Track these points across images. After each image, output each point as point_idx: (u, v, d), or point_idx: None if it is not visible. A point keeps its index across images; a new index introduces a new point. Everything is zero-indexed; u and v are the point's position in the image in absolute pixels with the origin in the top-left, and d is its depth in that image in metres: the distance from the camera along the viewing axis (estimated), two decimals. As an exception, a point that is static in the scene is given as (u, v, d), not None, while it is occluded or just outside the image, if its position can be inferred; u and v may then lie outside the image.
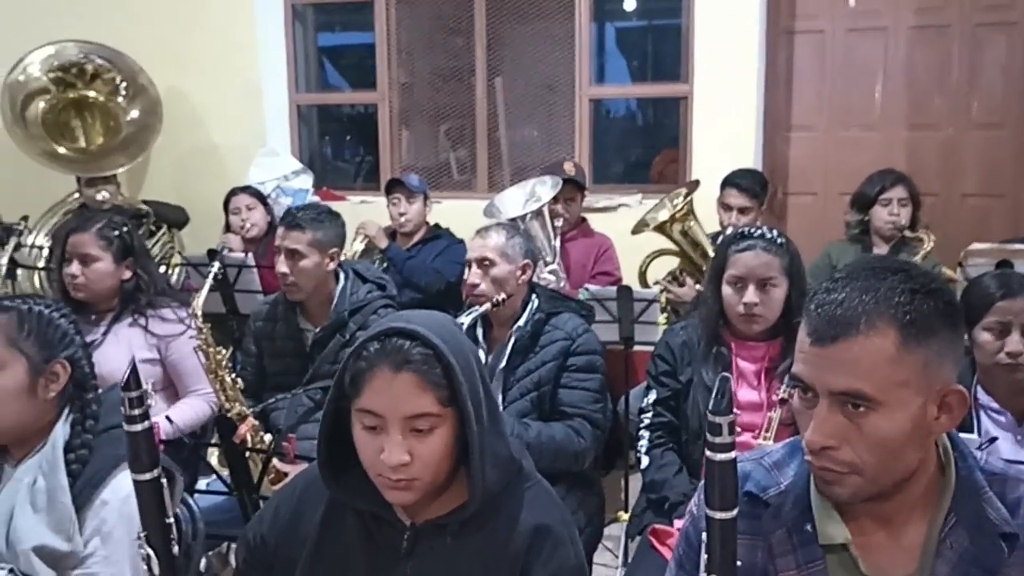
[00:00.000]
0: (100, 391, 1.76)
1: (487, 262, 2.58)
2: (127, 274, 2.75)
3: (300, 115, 5.39)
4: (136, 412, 1.15)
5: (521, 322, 2.59)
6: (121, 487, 1.61)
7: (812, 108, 4.74)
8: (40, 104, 4.78)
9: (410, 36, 5.20)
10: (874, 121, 4.67)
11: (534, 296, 2.65)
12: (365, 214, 4.34)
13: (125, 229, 2.79)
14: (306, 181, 4.99)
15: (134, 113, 4.84)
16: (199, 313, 2.74)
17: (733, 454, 1.03)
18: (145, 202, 4.77)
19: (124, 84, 4.82)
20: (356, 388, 1.31)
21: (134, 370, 1.15)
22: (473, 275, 2.60)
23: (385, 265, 3.87)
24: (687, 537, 1.38)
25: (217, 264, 3.06)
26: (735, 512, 1.04)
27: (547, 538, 1.37)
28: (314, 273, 2.75)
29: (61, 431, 1.66)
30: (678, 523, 2.26)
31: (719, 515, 1.04)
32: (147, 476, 1.18)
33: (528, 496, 1.41)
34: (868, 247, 3.63)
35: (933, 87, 4.58)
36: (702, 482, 1.41)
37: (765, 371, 2.32)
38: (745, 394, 2.30)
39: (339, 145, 5.90)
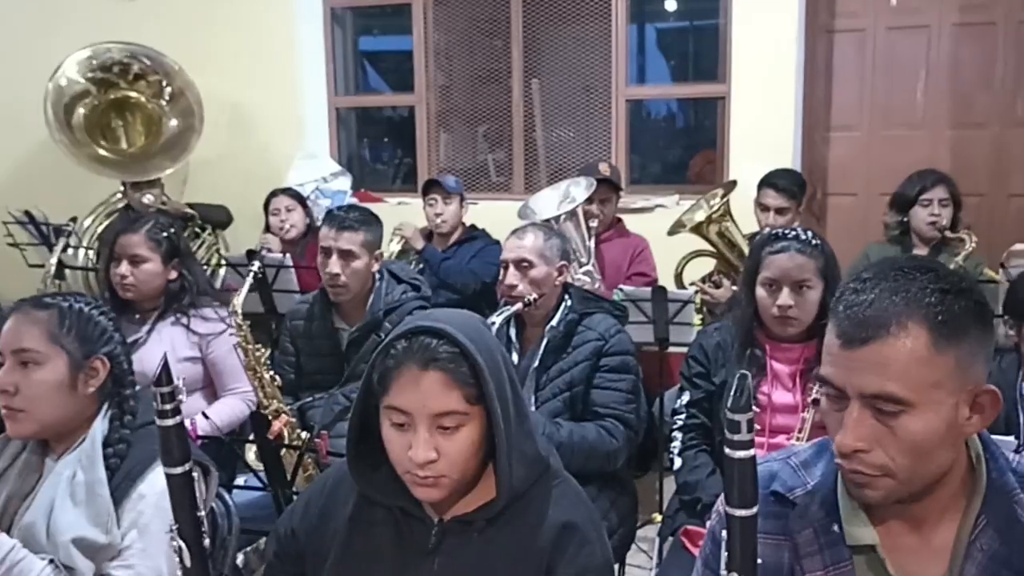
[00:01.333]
0: (138, 388, 1.79)
1: (525, 263, 2.58)
2: (173, 274, 2.81)
3: (339, 118, 5.45)
4: (168, 407, 1.17)
5: (554, 322, 2.59)
6: (157, 482, 1.63)
7: (852, 108, 4.68)
8: (81, 108, 4.86)
9: (447, 39, 5.23)
10: (917, 120, 4.60)
11: (567, 296, 2.64)
12: (403, 215, 4.37)
13: (172, 230, 2.85)
14: (345, 183, 5.04)
15: (175, 119, 4.90)
16: (239, 311, 2.78)
17: (752, 451, 1.02)
18: (189, 205, 4.85)
19: (168, 88, 4.89)
20: (384, 386, 1.33)
21: (166, 366, 1.17)
22: (511, 276, 2.59)
23: (421, 266, 3.90)
24: (713, 536, 1.37)
25: (257, 264, 3.10)
26: (755, 509, 1.04)
27: (573, 535, 1.38)
28: (364, 274, 2.80)
29: (100, 426, 1.69)
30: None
31: (739, 512, 1.03)
32: (178, 470, 1.20)
33: (555, 494, 1.42)
34: (908, 248, 3.57)
35: (978, 85, 4.50)
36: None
37: (800, 373, 2.30)
38: (780, 396, 2.29)
39: (377, 147, 5.95)
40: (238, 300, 2.80)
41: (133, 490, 1.64)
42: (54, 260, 3.99)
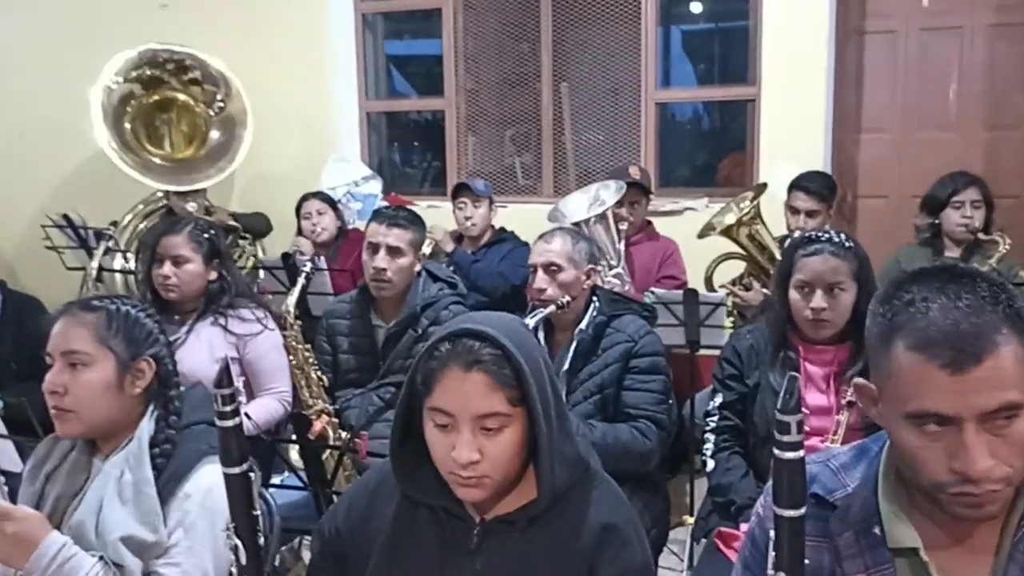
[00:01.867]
0: (182, 388, 1.83)
1: (554, 267, 2.60)
2: (213, 275, 2.85)
3: (370, 122, 5.49)
4: (227, 408, 1.19)
5: (583, 325, 2.60)
6: (203, 481, 1.67)
7: (884, 110, 4.66)
8: (129, 109, 4.90)
9: (476, 43, 5.25)
10: (949, 122, 4.57)
11: (595, 299, 2.66)
12: (432, 219, 4.38)
13: (213, 232, 2.90)
14: (375, 186, 5.08)
15: (220, 130, 4.92)
16: (291, 311, 2.82)
17: (801, 452, 1.04)
18: (232, 215, 4.87)
19: (220, 98, 4.90)
20: (427, 387, 1.35)
21: (227, 368, 1.20)
22: (539, 280, 2.61)
23: (451, 269, 3.92)
24: (753, 538, 1.38)
25: (309, 265, 3.17)
26: (803, 510, 1.05)
27: (614, 537, 1.40)
28: (408, 271, 2.86)
29: (147, 427, 1.72)
30: (744, 526, 2.25)
31: (787, 512, 1.05)
32: (236, 470, 1.23)
33: (595, 495, 1.44)
34: (939, 251, 3.55)
35: (1013, 86, 4.45)
36: (769, 483, 1.42)
37: (834, 375, 2.30)
38: (814, 398, 2.29)
39: (407, 151, 5.99)
40: (290, 300, 2.84)
41: (179, 489, 1.67)
42: (95, 264, 4.04)
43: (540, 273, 2.63)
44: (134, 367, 1.74)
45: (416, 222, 2.92)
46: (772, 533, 1.08)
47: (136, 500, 1.64)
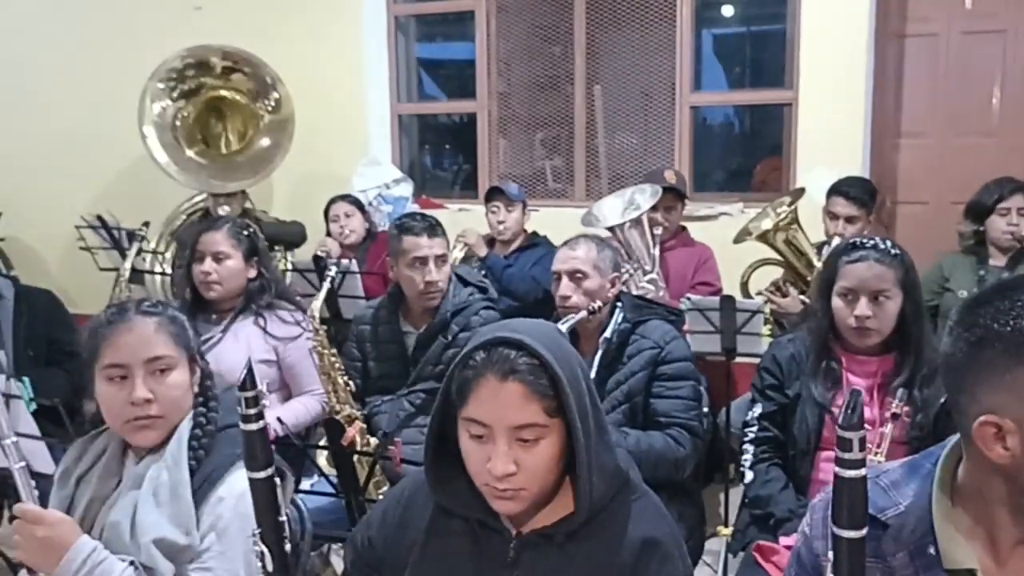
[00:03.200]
0: (218, 389, 1.81)
1: (579, 275, 2.55)
2: (253, 273, 2.86)
3: (401, 125, 5.48)
4: (251, 412, 1.17)
5: (607, 333, 2.55)
6: (237, 484, 1.64)
7: (924, 114, 4.57)
8: (183, 111, 4.95)
9: (507, 46, 5.23)
10: (992, 127, 4.47)
11: (618, 305, 2.61)
12: (464, 222, 4.38)
13: (251, 229, 2.91)
14: (406, 189, 5.07)
15: (266, 135, 4.95)
16: (316, 315, 2.81)
17: (863, 471, 1.00)
18: (262, 221, 4.79)
19: (270, 96, 4.92)
20: (463, 397, 1.32)
21: (250, 371, 1.18)
22: (564, 287, 2.56)
23: (483, 273, 3.90)
24: (799, 558, 1.34)
25: (334, 269, 3.15)
26: (864, 531, 1.01)
27: (655, 552, 1.36)
28: (449, 275, 2.85)
29: (186, 427, 1.70)
30: (784, 540, 2.20)
31: (847, 534, 1.01)
32: (261, 475, 1.20)
33: (635, 508, 1.40)
34: (984, 258, 3.49)
35: (1058, 91, 4.37)
36: (815, 500, 1.38)
37: (878, 387, 2.24)
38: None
39: (438, 154, 5.98)
40: (315, 304, 2.84)
41: (213, 493, 1.65)
42: (128, 265, 4.06)
43: (565, 280, 2.58)
44: (195, 367, 1.74)
45: (441, 226, 2.92)
46: (831, 554, 1.05)
47: (171, 502, 1.63)
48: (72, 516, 1.67)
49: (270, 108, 4.94)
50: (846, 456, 0.99)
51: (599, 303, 2.54)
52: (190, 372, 1.73)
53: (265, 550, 1.25)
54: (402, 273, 2.83)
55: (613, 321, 2.57)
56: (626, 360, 2.51)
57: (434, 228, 2.84)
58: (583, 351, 2.60)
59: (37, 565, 1.55)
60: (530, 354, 1.31)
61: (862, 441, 0.99)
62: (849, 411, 0.98)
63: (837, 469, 1.00)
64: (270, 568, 1.27)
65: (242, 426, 1.19)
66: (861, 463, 0.99)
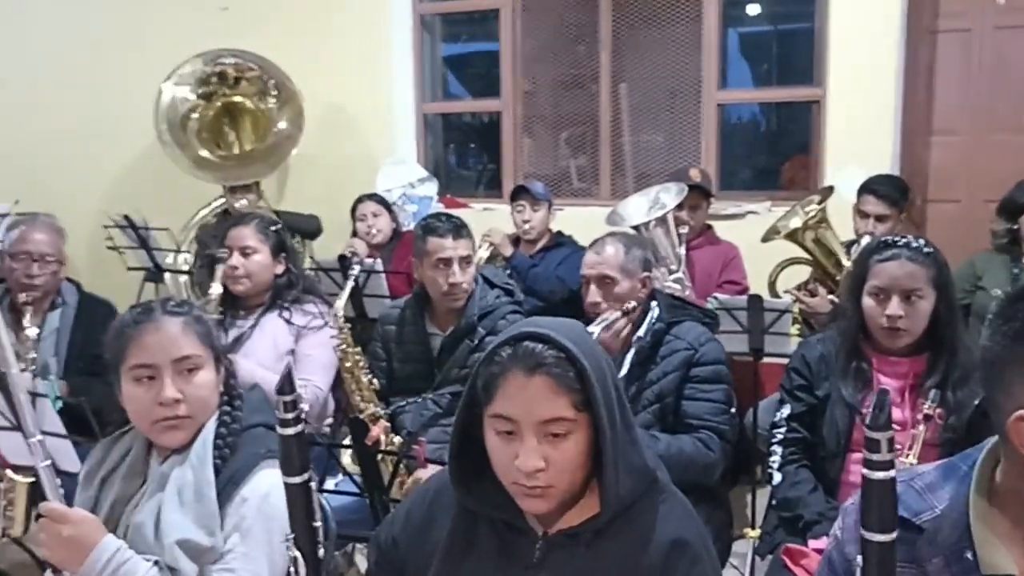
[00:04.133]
0: (245, 390, 1.81)
1: (608, 280, 2.50)
2: (280, 268, 2.88)
3: (426, 123, 5.48)
4: (289, 416, 1.16)
5: (641, 332, 2.51)
6: (261, 486, 1.64)
7: (956, 111, 4.50)
8: (193, 116, 5.02)
9: (532, 44, 5.22)
10: (1025, 124, 4.40)
11: (653, 304, 2.56)
12: (488, 221, 4.37)
13: (278, 226, 2.92)
14: (431, 188, 5.07)
15: (283, 123, 5.00)
16: (340, 314, 2.81)
17: (892, 473, 0.98)
18: (278, 212, 4.89)
19: (272, 83, 4.98)
20: (489, 393, 1.31)
21: (288, 374, 1.16)
22: (593, 294, 2.51)
23: (509, 273, 3.88)
24: (830, 562, 1.32)
25: (357, 268, 3.16)
26: (894, 535, 0.99)
27: (684, 553, 1.34)
28: (473, 277, 2.84)
29: (212, 427, 1.70)
30: (813, 543, 2.17)
31: (877, 537, 0.98)
32: (297, 479, 1.19)
33: (663, 508, 1.38)
34: (1017, 257, 3.43)
35: (1092, 87, 4.28)
36: (847, 503, 1.35)
37: (910, 388, 2.20)
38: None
39: (462, 153, 5.97)
40: (339, 303, 2.84)
41: (236, 493, 1.64)
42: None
43: (593, 287, 2.52)
44: (220, 367, 1.74)
45: (467, 226, 2.89)
46: (859, 559, 1.02)
47: (195, 502, 1.63)
48: (97, 516, 1.67)
49: (277, 104, 4.99)
50: (874, 457, 0.97)
51: (632, 303, 2.49)
52: (216, 371, 1.73)
53: (298, 555, 1.24)
54: (426, 274, 2.81)
55: (647, 320, 2.53)
56: (659, 360, 2.46)
57: (459, 229, 2.82)
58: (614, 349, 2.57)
59: (62, 564, 1.55)
60: (557, 348, 1.30)
61: (890, 442, 0.96)
62: (877, 411, 0.96)
63: (865, 471, 0.98)
64: (303, 574, 1.26)
65: (279, 430, 1.18)
66: (890, 464, 0.97)
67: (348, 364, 2.72)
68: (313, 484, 1.21)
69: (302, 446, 1.18)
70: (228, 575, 1.62)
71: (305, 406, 2.73)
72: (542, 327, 1.33)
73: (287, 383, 1.15)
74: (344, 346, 2.74)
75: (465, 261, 2.78)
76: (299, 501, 1.19)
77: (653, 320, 2.52)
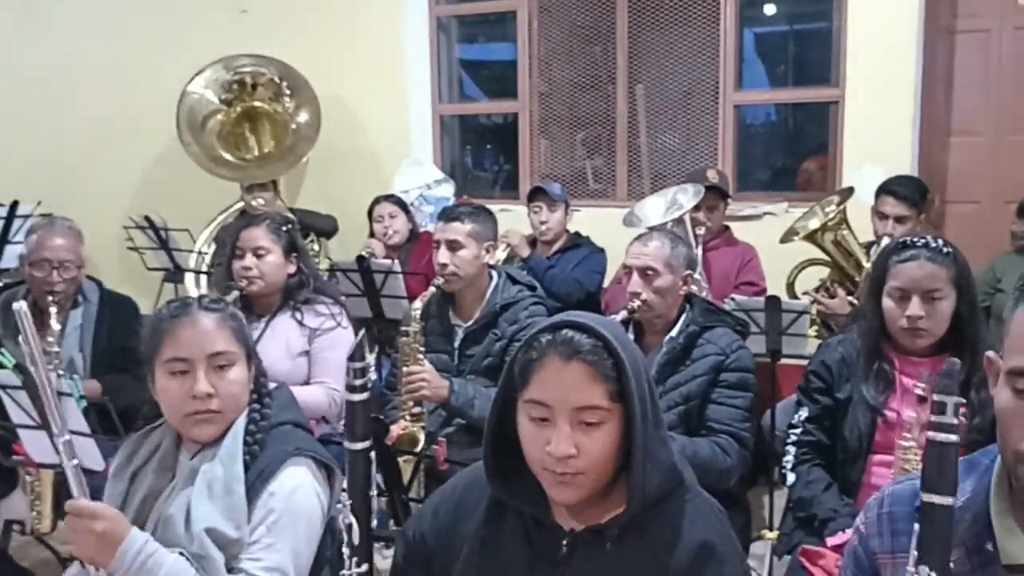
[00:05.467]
0: (275, 387, 1.84)
1: (651, 271, 2.51)
2: (292, 268, 2.89)
3: (443, 125, 5.50)
4: (358, 383, 1.17)
5: (674, 333, 2.52)
6: (288, 481, 1.66)
7: (975, 112, 4.48)
8: (215, 118, 5.09)
9: (548, 46, 5.22)
10: (1046, 125, 4.37)
11: (689, 307, 2.58)
12: (505, 222, 4.35)
13: (290, 226, 2.94)
14: (448, 190, 5.09)
15: (301, 118, 5.06)
16: (416, 315, 2.81)
17: (956, 437, 1.02)
18: (292, 210, 4.92)
19: (286, 85, 5.05)
20: (525, 379, 1.32)
21: (361, 341, 1.18)
22: (634, 283, 2.52)
23: (526, 273, 3.89)
24: (855, 556, 1.32)
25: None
26: (953, 499, 1.02)
27: (711, 556, 1.34)
28: (472, 263, 2.83)
29: (242, 423, 1.72)
30: (831, 540, 2.16)
31: (937, 499, 1.01)
32: (359, 446, 1.21)
33: (690, 509, 1.38)
34: (1037, 258, 3.41)
35: (1113, 87, 4.25)
36: (871, 498, 1.36)
37: (931, 389, 2.19)
38: (910, 413, 2.18)
39: (479, 154, 5.99)
40: (417, 304, 2.83)
41: (264, 489, 1.66)
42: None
43: (635, 277, 2.53)
44: (252, 364, 1.76)
45: (477, 214, 2.90)
46: (915, 526, 1.06)
47: (224, 496, 1.64)
48: (127, 510, 1.69)
49: (292, 107, 5.04)
50: (940, 420, 1.01)
51: (637, 303, 2.51)
52: (248, 369, 1.75)
53: (353, 521, 1.26)
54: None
55: (681, 322, 2.54)
56: (689, 363, 2.47)
57: (454, 214, 2.87)
58: (647, 346, 2.57)
59: (94, 559, 1.57)
60: (595, 337, 1.31)
61: (956, 407, 1.01)
62: (946, 378, 1.01)
63: (930, 433, 1.02)
64: (356, 540, 1.27)
65: (347, 396, 1.20)
66: (955, 428, 1.01)
67: (408, 360, 2.75)
68: (373, 454, 1.22)
69: (367, 413, 1.19)
70: (253, 564, 1.63)
71: (308, 396, 2.78)
72: (582, 317, 1.35)
73: (359, 350, 1.17)
74: (407, 348, 2.76)
75: (452, 244, 2.81)
76: (359, 468, 1.21)
77: (686, 322, 2.53)
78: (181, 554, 1.61)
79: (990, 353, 1.19)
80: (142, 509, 1.70)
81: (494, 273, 2.93)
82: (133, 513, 1.69)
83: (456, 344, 2.87)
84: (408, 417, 2.72)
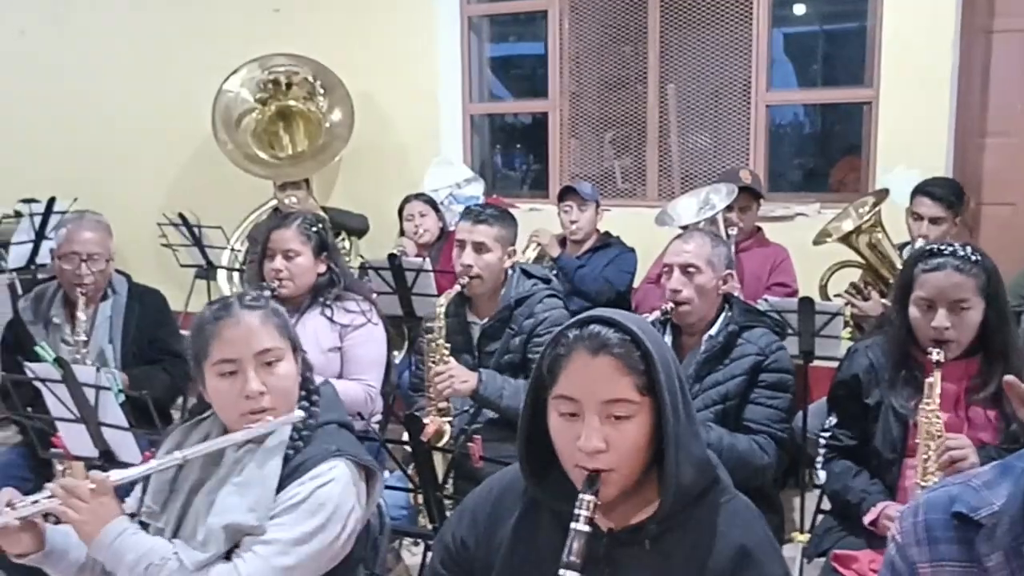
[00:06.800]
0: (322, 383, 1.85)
1: (692, 268, 2.51)
2: (322, 268, 2.91)
3: (473, 124, 5.52)
4: None
5: (713, 331, 2.52)
6: (324, 472, 1.66)
7: (1011, 112, 4.40)
8: (250, 116, 5.15)
9: (578, 46, 5.22)
10: (1084, 126, 4.30)
11: (728, 306, 2.57)
12: (535, 222, 4.38)
13: (320, 226, 2.96)
14: (477, 188, 5.10)
15: (334, 117, 5.10)
16: (441, 312, 2.83)
17: None
18: (325, 209, 4.96)
19: (319, 84, 5.10)
20: (553, 375, 1.33)
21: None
22: (675, 281, 2.52)
23: (555, 273, 3.89)
24: (893, 566, 1.30)
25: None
26: None
27: (751, 560, 1.33)
28: (496, 267, 2.86)
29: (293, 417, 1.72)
30: (865, 518, 2.15)
31: None
32: None
33: (727, 510, 1.38)
34: (1076, 262, 3.35)
35: None
36: (905, 506, 1.35)
37: (964, 391, 2.17)
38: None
39: (508, 153, 6.00)
40: (442, 301, 2.85)
41: (297, 479, 1.66)
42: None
43: (677, 274, 2.53)
44: (298, 356, 1.77)
45: (503, 218, 2.91)
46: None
47: (254, 489, 1.65)
48: (173, 500, 1.72)
49: (325, 107, 5.08)
50: None
51: (670, 305, 2.51)
52: (295, 363, 1.76)
53: None
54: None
55: (720, 320, 2.54)
56: (728, 362, 2.47)
57: (482, 216, 2.88)
58: (685, 346, 2.58)
59: (85, 531, 1.62)
60: (622, 331, 1.31)
61: None
62: None
63: None
64: None
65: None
66: None
67: (435, 359, 2.76)
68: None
69: None
70: (260, 544, 1.62)
71: (359, 394, 2.81)
72: (609, 313, 1.35)
73: None
74: (433, 345, 2.78)
75: (479, 246, 2.83)
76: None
77: (726, 321, 2.53)
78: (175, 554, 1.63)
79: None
80: (188, 499, 1.71)
81: (509, 270, 2.94)
82: (180, 503, 1.71)
83: (474, 342, 2.90)
84: (435, 413, 2.75)
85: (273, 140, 5.23)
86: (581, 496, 1.30)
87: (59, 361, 2.42)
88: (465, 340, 2.92)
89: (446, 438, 2.71)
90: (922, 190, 3.46)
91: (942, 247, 2.18)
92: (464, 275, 2.84)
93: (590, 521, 1.30)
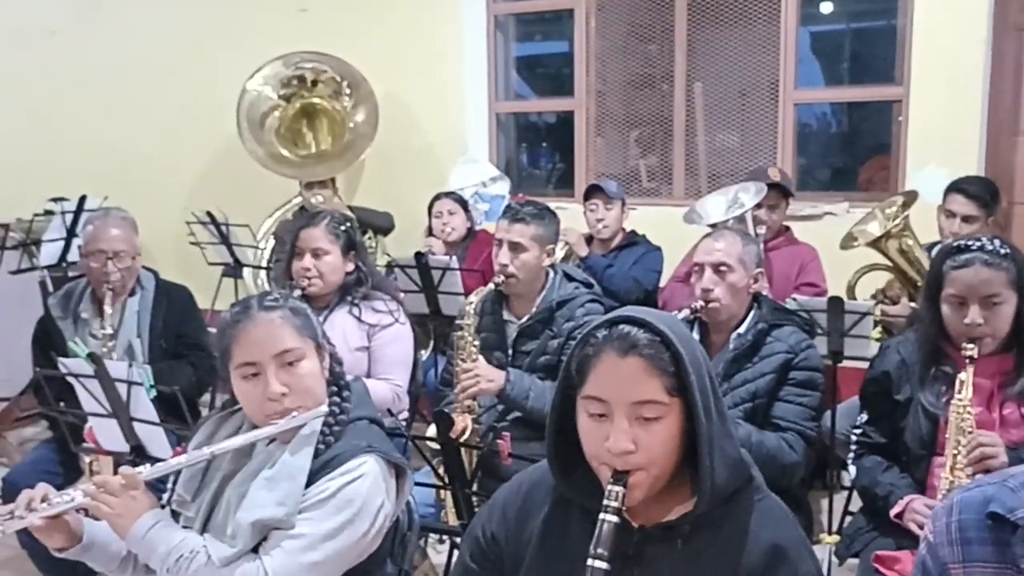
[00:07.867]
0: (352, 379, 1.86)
1: (724, 267, 2.50)
2: (350, 267, 2.92)
3: (498, 123, 5.52)
4: None
5: (742, 330, 2.51)
6: (354, 468, 1.68)
7: (1044, 111, 4.35)
8: (273, 115, 5.17)
9: (603, 44, 5.21)
10: (1119, 123, 4.23)
11: (757, 305, 2.56)
12: (561, 220, 4.36)
13: (348, 224, 2.96)
14: (503, 187, 5.09)
15: (359, 116, 5.12)
16: (471, 310, 2.83)
17: None
18: (352, 207, 4.98)
19: (346, 83, 5.11)
20: (582, 375, 1.32)
21: None
22: (707, 280, 2.51)
23: (582, 271, 3.88)
24: (924, 567, 1.29)
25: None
26: None
27: (785, 559, 1.32)
28: (533, 266, 2.83)
29: (323, 412, 1.73)
30: (892, 511, 2.13)
31: None
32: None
33: (760, 509, 1.36)
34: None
35: None
36: (937, 507, 1.33)
37: (997, 387, 2.14)
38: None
39: (534, 152, 5.99)
40: (474, 299, 2.85)
41: (327, 475, 1.68)
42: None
43: (708, 273, 2.52)
44: (323, 353, 1.78)
45: (542, 217, 2.87)
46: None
47: (284, 483, 1.66)
48: (204, 490, 1.74)
49: (350, 105, 5.10)
50: None
51: (700, 303, 2.50)
52: (319, 359, 1.76)
53: None
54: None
55: (749, 319, 2.53)
56: (757, 360, 2.46)
57: (520, 215, 2.84)
58: (713, 344, 2.57)
59: (119, 525, 1.66)
60: (652, 331, 1.30)
61: None
62: None
63: None
64: None
65: None
66: None
67: (463, 355, 2.76)
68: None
69: None
70: (288, 540, 1.64)
71: (386, 393, 2.82)
72: (639, 312, 1.33)
73: None
74: (462, 342, 2.79)
75: (515, 246, 2.80)
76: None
77: (755, 320, 2.52)
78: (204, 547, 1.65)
79: None
80: (219, 490, 1.73)
81: (550, 271, 2.92)
82: (210, 494, 1.73)
83: (509, 341, 2.88)
84: (461, 410, 2.75)
85: (297, 138, 5.25)
86: (609, 488, 1.30)
87: (92, 357, 2.44)
88: (499, 338, 2.90)
89: (468, 433, 2.70)
90: (956, 187, 3.42)
91: (969, 242, 2.14)
92: (500, 274, 2.82)
93: (618, 513, 1.29)
